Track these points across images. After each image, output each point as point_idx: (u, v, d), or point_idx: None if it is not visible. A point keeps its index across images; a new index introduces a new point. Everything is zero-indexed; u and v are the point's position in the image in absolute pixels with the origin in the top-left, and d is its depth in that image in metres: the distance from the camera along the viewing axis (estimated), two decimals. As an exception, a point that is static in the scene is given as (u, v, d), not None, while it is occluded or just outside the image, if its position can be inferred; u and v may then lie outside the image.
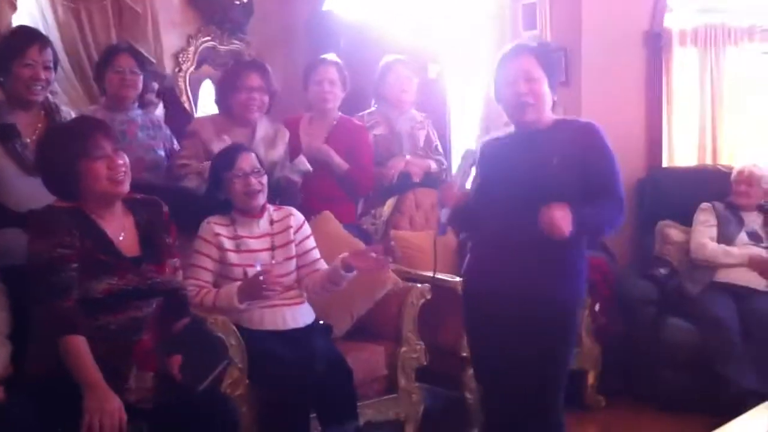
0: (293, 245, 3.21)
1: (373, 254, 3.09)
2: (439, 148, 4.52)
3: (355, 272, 3.12)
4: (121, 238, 2.55)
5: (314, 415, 2.99)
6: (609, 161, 2.66)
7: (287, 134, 3.73)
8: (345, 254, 3.13)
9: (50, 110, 3.08)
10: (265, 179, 3.17)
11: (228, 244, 3.11)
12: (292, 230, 3.22)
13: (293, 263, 3.20)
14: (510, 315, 2.65)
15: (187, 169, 3.50)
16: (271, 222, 3.22)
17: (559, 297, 2.66)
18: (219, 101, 3.72)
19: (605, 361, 4.09)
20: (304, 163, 3.67)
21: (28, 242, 2.47)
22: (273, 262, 3.11)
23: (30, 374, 2.44)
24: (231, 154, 3.19)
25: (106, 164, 2.50)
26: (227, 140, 3.50)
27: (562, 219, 2.46)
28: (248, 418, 2.95)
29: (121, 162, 2.54)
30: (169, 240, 2.69)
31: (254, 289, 2.94)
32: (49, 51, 3.01)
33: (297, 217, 3.28)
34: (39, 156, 2.60)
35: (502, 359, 2.70)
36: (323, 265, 3.25)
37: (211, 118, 3.75)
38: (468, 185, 2.77)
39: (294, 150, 3.77)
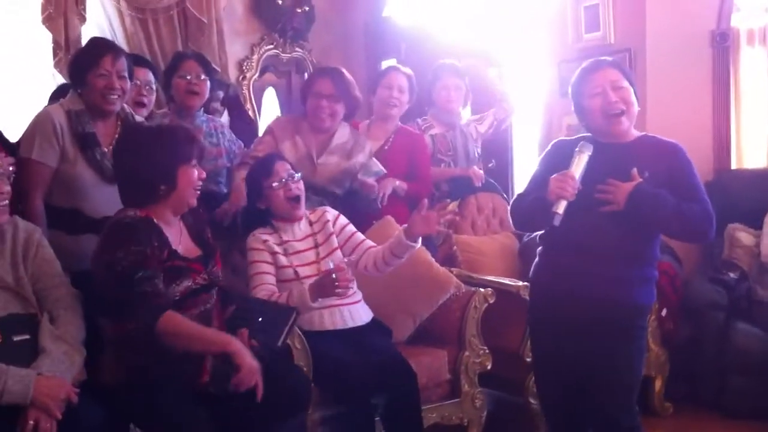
0: (334, 237, 3.25)
1: (435, 215, 3.03)
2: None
3: (420, 241, 3.10)
4: (180, 246, 2.62)
5: (378, 418, 3.02)
6: (696, 182, 2.68)
7: (368, 145, 3.71)
8: (405, 226, 3.10)
9: (126, 119, 3.16)
10: (301, 185, 3.22)
11: (277, 248, 3.16)
12: (329, 224, 3.26)
13: (339, 254, 3.21)
14: (582, 320, 2.66)
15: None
16: (310, 223, 3.27)
17: (633, 302, 2.67)
18: (302, 106, 3.72)
19: (672, 367, 4.02)
20: (376, 164, 3.65)
21: (110, 248, 2.47)
22: (317, 258, 3.17)
23: (101, 383, 2.51)
24: (267, 162, 3.24)
25: (197, 173, 2.61)
26: (298, 143, 3.55)
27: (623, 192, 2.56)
28: (313, 418, 2.97)
29: (204, 175, 2.66)
30: (208, 233, 2.81)
31: (326, 287, 2.93)
32: (122, 61, 3.06)
33: (331, 211, 3.33)
34: (129, 155, 2.61)
35: (569, 366, 2.71)
36: (370, 243, 3.26)
37: (292, 119, 3.76)
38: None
39: None
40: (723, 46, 4.56)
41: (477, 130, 4.50)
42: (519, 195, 2.85)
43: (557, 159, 2.72)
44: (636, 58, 4.45)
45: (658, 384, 3.97)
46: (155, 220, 2.56)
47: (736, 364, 3.91)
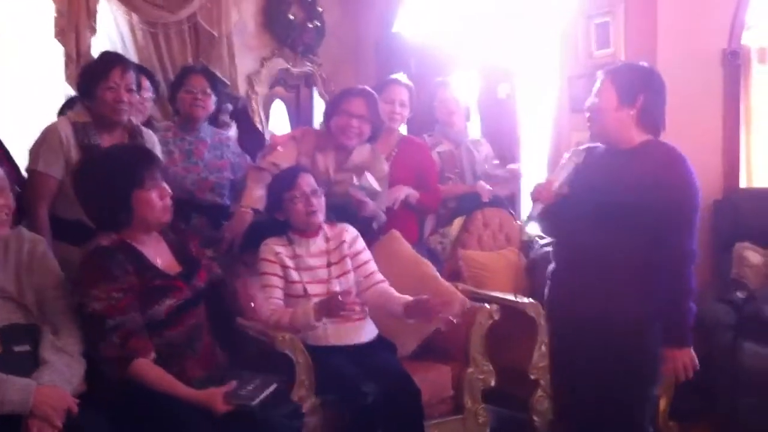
0: (348, 259, 3.26)
1: (437, 309, 3.03)
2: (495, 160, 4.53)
3: (413, 321, 3.14)
4: (159, 261, 2.62)
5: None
6: (679, 196, 2.58)
7: (385, 166, 3.72)
8: (408, 300, 3.11)
9: (133, 132, 3.18)
10: (322, 200, 3.23)
11: (289, 262, 3.18)
12: (345, 245, 3.27)
13: (351, 277, 3.23)
14: (596, 338, 2.65)
15: (271, 169, 3.50)
16: (327, 239, 3.27)
17: (644, 315, 2.64)
18: (324, 121, 3.74)
19: (679, 386, 3.97)
20: (369, 180, 3.60)
21: (84, 284, 2.48)
22: (329, 277, 3.18)
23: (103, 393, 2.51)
24: (291, 174, 3.25)
25: (158, 194, 2.57)
26: (318, 160, 3.56)
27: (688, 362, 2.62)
28: (314, 425, 2.97)
29: (169, 191, 2.62)
30: (194, 247, 2.78)
31: (332, 309, 2.95)
32: (131, 74, 3.10)
33: (350, 231, 3.33)
34: (84, 187, 2.62)
35: (588, 385, 2.70)
36: (380, 277, 3.28)
37: (317, 134, 3.77)
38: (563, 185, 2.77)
39: None
40: (734, 64, 4.54)
41: (479, 151, 4.48)
42: None
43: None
44: (646, 75, 4.43)
45: (662, 403, 3.92)
46: (130, 242, 2.56)
47: (745, 385, 3.86)
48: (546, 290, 2.91)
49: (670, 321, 2.60)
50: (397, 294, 3.21)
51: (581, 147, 2.84)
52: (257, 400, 2.49)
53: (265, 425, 2.50)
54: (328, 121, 3.66)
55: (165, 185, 2.62)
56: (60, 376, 2.36)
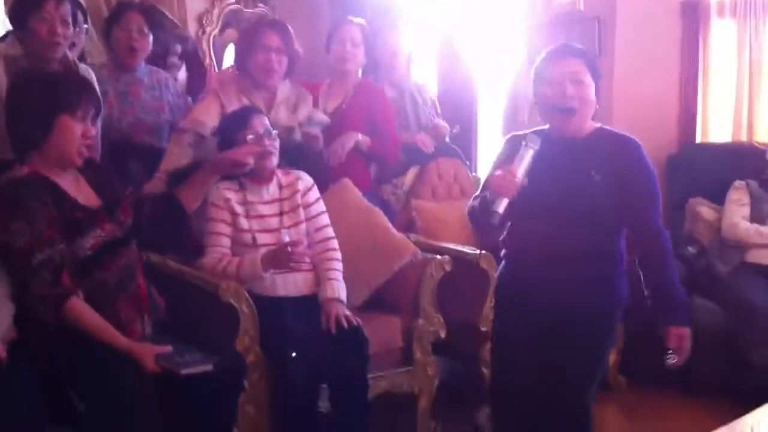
0: (301, 209, 3.16)
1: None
2: (438, 109, 4.39)
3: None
4: (78, 195, 2.48)
5: (325, 385, 2.94)
6: (650, 184, 2.56)
7: (310, 98, 3.60)
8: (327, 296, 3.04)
9: (68, 67, 3.01)
10: (277, 143, 3.12)
11: (239, 209, 3.07)
12: (299, 194, 3.16)
13: (302, 228, 3.14)
14: (546, 320, 2.56)
15: (195, 127, 3.36)
16: (280, 187, 3.16)
17: (599, 303, 2.56)
18: (238, 62, 3.56)
19: (628, 342, 3.98)
20: (317, 114, 3.47)
21: (1, 220, 2.33)
22: (280, 226, 3.09)
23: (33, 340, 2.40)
24: (244, 115, 3.13)
25: (82, 129, 2.43)
26: (244, 102, 3.39)
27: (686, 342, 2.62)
28: (259, 386, 2.92)
29: (93, 134, 2.49)
30: (116, 182, 2.66)
31: (280, 260, 2.91)
32: (66, 5, 2.93)
33: (305, 180, 3.22)
34: (13, 103, 2.46)
35: (532, 366, 2.59)
36: (330, 232, 3.19)
37: (233, 77, 3.59)
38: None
39: None
40: (693, 17, 4.50)
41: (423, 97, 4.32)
42: (474, 196, 2.69)
43: (512, 154, 2.55)
44: (605, 26, 4.37)
45: (612, 358, 3.93)
46: (43, 173, 2.41)
47: (695, 341, 3.85)
48: (499, 270, 2.79)
49: (672, 300, 2.57)
50: (328, 275, 3.10)
51: (530, 131, 2.61)
52: (186, 370, 2.42)
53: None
54: (244, 60, 3.48)
55: (93, 130, 2.49)
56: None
